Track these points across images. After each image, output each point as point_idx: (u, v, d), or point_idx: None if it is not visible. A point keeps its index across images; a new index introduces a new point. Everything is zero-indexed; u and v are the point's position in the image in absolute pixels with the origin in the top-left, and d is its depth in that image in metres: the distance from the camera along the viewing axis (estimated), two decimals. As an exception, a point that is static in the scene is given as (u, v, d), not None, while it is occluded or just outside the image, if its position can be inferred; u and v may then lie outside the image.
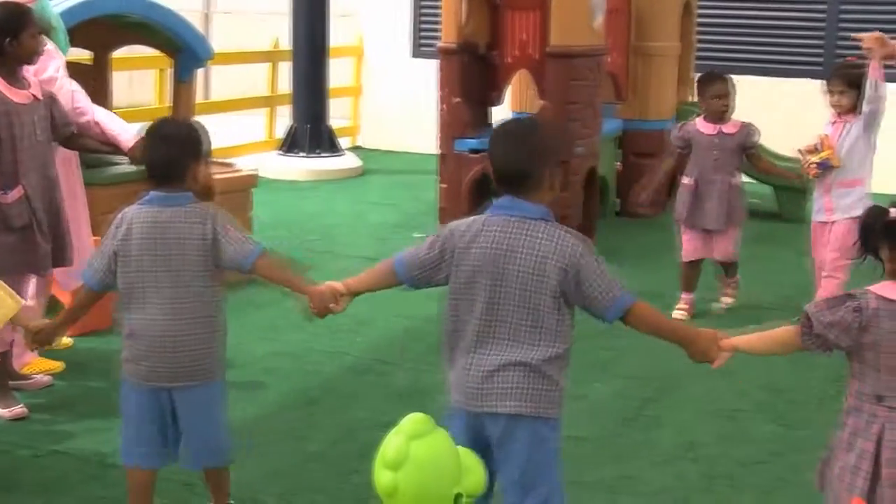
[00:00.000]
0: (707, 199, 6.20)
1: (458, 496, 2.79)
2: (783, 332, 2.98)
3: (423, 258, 3.11)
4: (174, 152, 3.42)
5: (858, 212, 5.59)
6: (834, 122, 5.75)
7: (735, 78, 10.22)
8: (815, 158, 5.66)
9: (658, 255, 7.56)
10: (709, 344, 3.10)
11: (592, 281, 2.97)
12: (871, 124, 5.61)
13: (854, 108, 5.66)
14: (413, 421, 2.83)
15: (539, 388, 3.01)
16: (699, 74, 6.57)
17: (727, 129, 6.23)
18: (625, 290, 3.03)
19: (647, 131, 8.77)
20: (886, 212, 2.87)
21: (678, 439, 4.55)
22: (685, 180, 6.31)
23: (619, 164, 8.89)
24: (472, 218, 3.09)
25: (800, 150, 5.79)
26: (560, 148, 3.14)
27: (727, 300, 6.42)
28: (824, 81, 5.84)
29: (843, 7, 10.35)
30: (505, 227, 3.00)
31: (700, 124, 6.28)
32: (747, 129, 6.23)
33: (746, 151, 6.28)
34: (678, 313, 6.20)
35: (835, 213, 5.75)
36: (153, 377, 3.39)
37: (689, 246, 6.36)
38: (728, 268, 6.44)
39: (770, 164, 6.92)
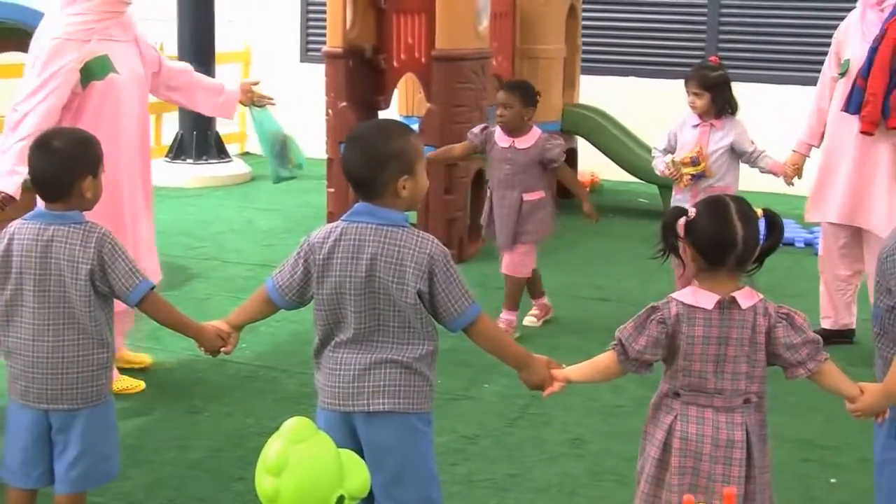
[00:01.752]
0: (497, 214, 5.89)
1: (340, 498, 2.78)
2: (605, 358, 3.02)
3: (293, 280, 3.09)
4: (61, 167, 3.24)
5: None
6: (698, 126, 5.68)
7: (620, 80, 10.55)
8: (690, 171, 5.66)
9: (547, 255, 7.62)
10: (541, 371, 3.13)
11: (444, 289, 2.97)
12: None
13: (710, 111, 5.65)
14: (294, 425, 2.82)
15: (410, 384, 3.02)
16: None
17: (521, 143, 5.79)
18: (474, 302, 3.02)
19: (534, 133, 8.84)
20: (686, 212, 2.91)
21: (564, 436, 4.60)
22: (489, 189, 6.01)
23: (507, 166, 8.93)
24: (328, 227, 3.06)
25: (674, 162, 5.66)
26: (409, 154, 3.03)
27: (529, 320, 6.10)
28: (684, 81, 5.83)
29: (724, 10, 10.57)
30: (362, 235, 2.99)
31: (498, 134, 5.88)
32: (543, 144, 5.76)
33: (547, 167, 5.83)
34: (528, 319, 6.07)
35: None
36: (29, 397, 3.25)
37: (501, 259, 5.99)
38: (529, 287, 6.10)
39: (574, 182, 6.37)
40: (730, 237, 2.84)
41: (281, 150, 5.31)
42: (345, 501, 2.80)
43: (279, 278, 3.11)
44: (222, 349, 3.31)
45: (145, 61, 4.92)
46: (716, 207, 2.89)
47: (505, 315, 5.94)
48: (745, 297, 2.88)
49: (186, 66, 5.36)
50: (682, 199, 5.63)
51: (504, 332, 3.20)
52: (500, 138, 5.84)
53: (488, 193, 5.99)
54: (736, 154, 5.72)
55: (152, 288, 3.27)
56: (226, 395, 5.01)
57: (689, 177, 5.61)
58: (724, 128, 5.67)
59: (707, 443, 2.89)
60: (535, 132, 5.79)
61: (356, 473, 2.85)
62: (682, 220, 2.90)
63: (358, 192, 3.04)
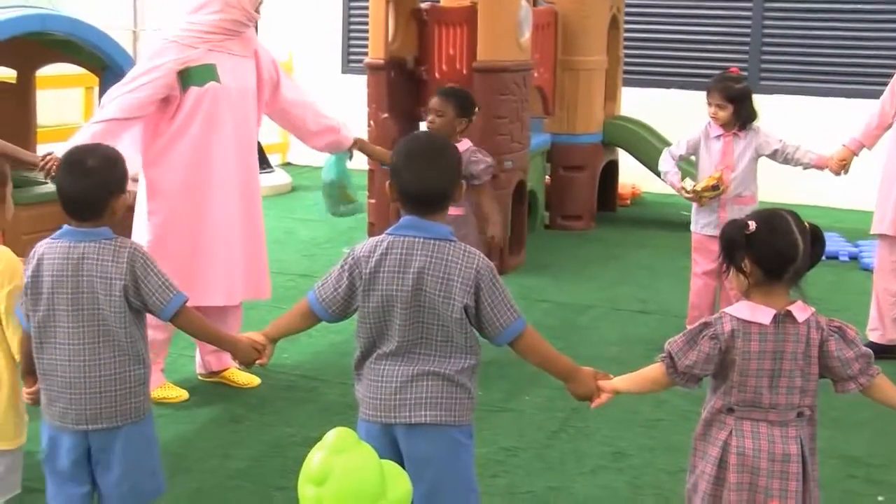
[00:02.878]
0: None
1: (383, 509, 2.78)
2: (653, 370, 3.04)
3: (337, 294, 3.08)
4: (92, 187, 3.16)
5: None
6: (721, 136, 5.70)
7: (662, 92, 10.51)
8: (711, 195, 5.67)
9: (589, 268, 7.64)
10: (588, 383, 3.15)
11: (490, 303, 2.98)
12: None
13: (733, 122, 5.67)
14: (337, 435, 2.82)
15: (453, 396, 3.02)
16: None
17: None
18: (520, 316, 3.04)
19: (575, 145, 8.85)
20: (746, 225, 2.90)
21: (604, 449, 4.57)
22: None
23: (548, 177, 8.94)
24: (374, 240, 3.05)
25: (695, 190, 5.67)
26: (460, 166, 3.14)
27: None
28: (706, 91, 5.80)
29: (767, 22, 10.51)
30: (410, 249, 2.99)
31: None
32: (469, 157, 5.29)
33: (469, 182, 5.20)
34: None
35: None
36: (68, 419, 3.18)
37: None
38: None
39: (489, 205, 5.54)
40: (792, 250, 2.85)
41: (338, 194, 5.45)
42: None
43: (322, 292, 3.11)
44: (258, 361, 3.29)
45: (261, 78, 5.01)
46: (776, 220, 2.89)
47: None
48: (800, 311, 2.89)
49: (306, 99, 5.34)
50: (708, 210, 5.74)
51: (549, 345, 3.18)
52: None
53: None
54: (760, 159, 5.78)
55: (185, 301, 3.22)
56: (267, 405, 5.03)
57: (709, 199, 5.67)
58: (746, 137, 5.71)
59: (763, 458, 2.88)
60: (465, 143, 5.46)
61: (398, 484, 2.84)
62: (747, 231, 2.89)
63: (419, 207, 3.02)
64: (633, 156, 9.28)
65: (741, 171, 5.67)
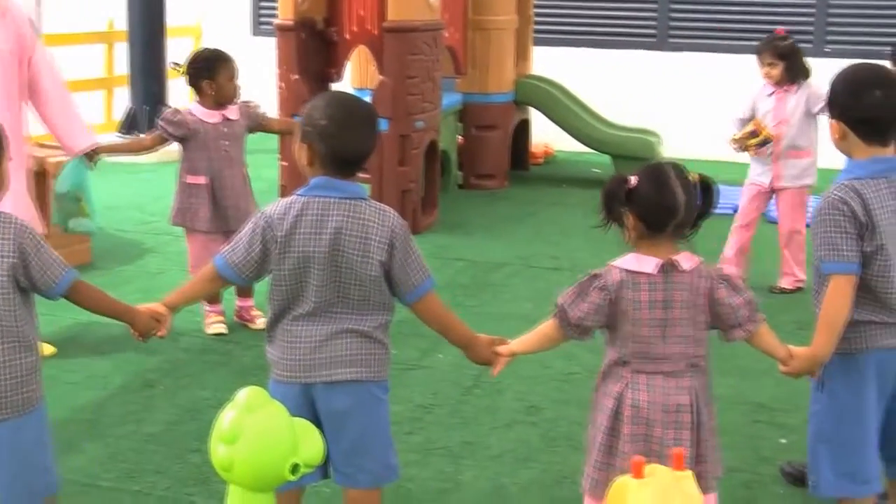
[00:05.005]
0: (223, 196, 5.31)
1: (295, 466, 2.80)
2: (546, 326, 3.04)
3: (250, 257, 3.05)
4: None
5: (808, 181, 6.08)
6: (774, 94, 6.02)
7: (572, 50, 10.57)
8: (754, 141, 5.94)
9: (502, 226, 7.70)
10: (485, 350, 3.17)
11: (402, 261, 3.01)
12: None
13: (785, 78, 5.97)
14: (248, 394, 2.83)
15: (371, 352, 3.06)
16: (208, 53, 5.56)
17: (231, 113, 5.34)
18: (430, 276, 3.08)
19: (487, 104, 8.89)
20: (627, 180, 2.89)
21: (518, 404, 4.64)
22: (193, 179, 5.32)
23: (460, 137, 8.97)
24: (285, 202, 3.04)
25: (735, 139, 5.99)
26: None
27: (216, 328, 5.44)
28: (756, 54, 6.07)
29: (675, -21, 10.62)
30: (326, 209, 2.99)
31: (199, 111, 5.31)
32: (247, 109, 5.40)
33: (254, 129, 5.47)
34: (214, 327, 5.43)
35: (783, 181, 6.09)
36: None
37: (205, 253, 4.90)
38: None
39: (289, 124, 5.73)
40: (673, 204, 2.84)
41: (71, 207, 5.14)
42: (299, 469, 2.82)
43: (233, 256, 3.07)
44: (157, 333, 3.20)
45: (15, 40, 4.76)
46: (656, 174, 2.88)
47: (240, 302, 5.55)
48: (686, 260, 2.90)
49: (62, 86, 5.06)
50: (763, 160, 6.05)
51: (451, 312, 3.22)
52: (207, 115, 5.30)
53: (196, 183, 5.31)
54: (813, 116, 5.99)
55: (76, 277, 3.04)
56: (181, 369, 5.01)
57: (755, 146, 5.88)
58: (798, 93, 5.99)
59: (657, 409, 2.91)
60: (229, 109, 5.35)
61: (310, 442, 2.87)
62: (628, 186, 2.89)
63: (345, 168, 3.03)
64: (545, 115, 9.34)
65: (794, 125, 5.97)
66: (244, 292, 5.52)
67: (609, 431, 2.96)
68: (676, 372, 2.92)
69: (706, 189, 2.93)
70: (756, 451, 4.20)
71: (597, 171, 9.53)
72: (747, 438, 4.31)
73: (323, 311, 3.03)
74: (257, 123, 5.49)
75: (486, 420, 4.49)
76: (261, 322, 5.37)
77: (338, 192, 3.01)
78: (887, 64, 5.54)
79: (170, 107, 10.40)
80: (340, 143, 3.01)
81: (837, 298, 3.12)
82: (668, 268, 2.88)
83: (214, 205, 5.31)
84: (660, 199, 2.85)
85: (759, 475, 4.01)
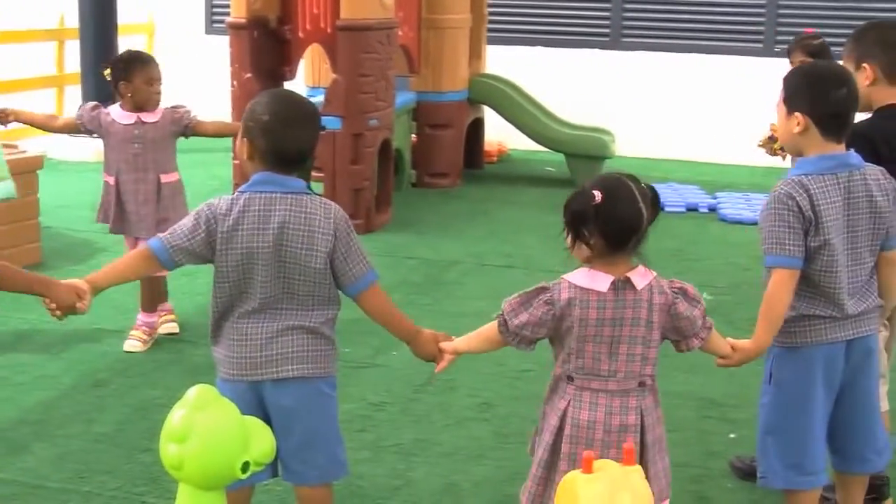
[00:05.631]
0: (129, 200, 5.18)
1: (245, 464, 2.79)
2: (488, 328, 2.97)
3: (192, 244, 3.02)
4: None
5: None
6: None
7: (526, 49, 10.61)
8: (777, 145, 5.90)
9: (455, 225, 7.71)
10: (429, 345, 3.15)
11: (345, 253, 3.02)
12: None
13: None
14: (198, 392, 2.82)
15: (318, 348, 3.07)
16: (127, 54, 5.35)
17: (148, 117, 5.16)
18: (372, 268, 3.09)
19: (441, 103, 8.89)
20: (592, 196, 2.77)
21: (471, 401, 4.65)
22: (106, 177, 5.24)
23: (414, 135, 8.98)
24: (230, 197, 3.03)
25: (760, 145, 5.87)
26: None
27: (133, 345, 5.21)
28: (786, 54, 5.93)
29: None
30: (270, 204, 2.99)
31: (116, 111, 5.18)
32: (172, 114, 5.20)
33: (186, 134, 5.26)
34: (131, 343, 5.21)
35: None
36: None
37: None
38: (148, 290, 5.29)
39: (222, 127, 5.52)
40: (637, 219, 2.78)
41: None
42: (250, 467, 2.82)
43: (172, 238, 3.04)
44: (77, 306, 3.03)
45: None
46: (619, 191, 2.78)
47: (143, 318, 5.31)
48: (640, 277, 2.82)
49: None
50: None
51: (394, 306, 3.20)
52: (121, 116, 5.15)
53: (107, 181, 5.23)
54: None
55: None
56: (131, 368, 4.97)
57: (780, 149, 5.89)
58: None
59: (599, 429, 2.83)
60: (156, 111, 5.21)
61: (261, 439, 2.87)
62: (594, 202, 2.76)
63: (288, 165, 3.03)
64: (499, 113, 9.36)
65: None
66: (151, 306, 5.33)
67: (551, 448, 2.89)
68: (623, 391, 2.85)
69: (654, 200, 2.86)
70: (706, 446, 4.24)
71: (550, 169, 9.57)
72: (697, 433, 4.34)
73: (269, 308, 3.02)
74: (186, 128, 5.25)
75: (439, 417, 4.50)
76: (166, 327, 5.36)
77: (281, 186, 3.01)
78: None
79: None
80: (281, 140, 3.01)
81: (778, 292, 3.15)
82: (621, 285, 2.81)
83: (119, 207, 5.20)
84: (625, 216, 2.77)
85: (708, 470, 4.05)
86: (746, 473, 3.93)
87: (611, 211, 2.75)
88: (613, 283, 2.80)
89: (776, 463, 3.34)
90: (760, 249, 3.24)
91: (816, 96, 3.22)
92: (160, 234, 3.10)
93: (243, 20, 7.56)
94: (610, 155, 9.06)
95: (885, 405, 3.65)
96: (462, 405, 4.62)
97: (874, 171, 3.26)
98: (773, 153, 6.01)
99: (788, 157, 5.91)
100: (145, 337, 5.25)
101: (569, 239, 2.84)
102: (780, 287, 3.15)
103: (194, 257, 3.06)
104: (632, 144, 9.73)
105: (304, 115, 3.10)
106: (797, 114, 3.22)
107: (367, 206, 7.41)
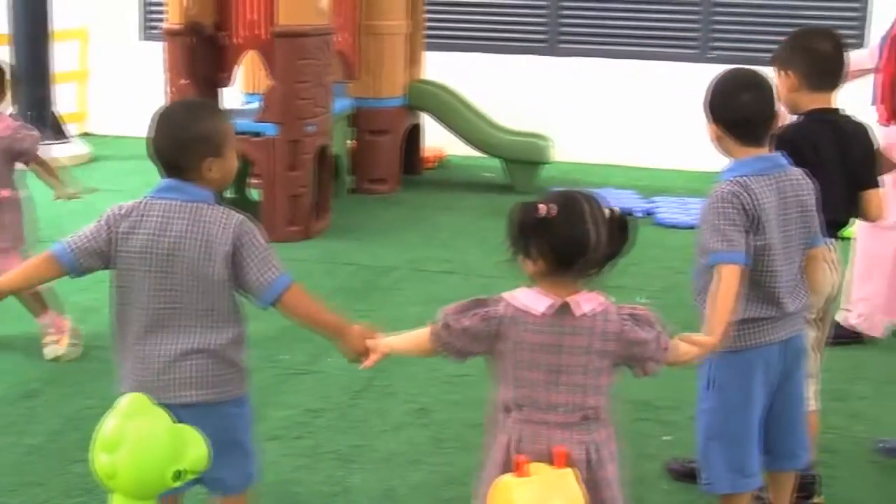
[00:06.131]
0: None
1: (178, 473, 2.77)
2: (421, 334, 2.84)
3: (94, 244, 2.94)
4: None
5: None
6: None
7: (464, 56, 10.62)
8: None
9: (393, 231, 7.70)
10: (356, 341, 3.00)
11: (251, 260, 2.90)
12: None
13: None
14: (130, 401, 2.80)
15: (221, 373, 2.96)
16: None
17: None
18: (284, 273, 2.95)
19: (379, 109, 8.88)
20: (536, 208, 2.63)
21: (408, 406, 4.66)
22: None
23: (352, 141, 8.96)
24: (132, 202, 2.97)
25: None
26: (216, 136, 2.97)
27: (54, 349, 5.13)
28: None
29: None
30: (168, 212, 2.92)
31: None
32: (13, 133, 5.02)
33: (18, 159, 5.06)
34: (51, 350, 5.12)
35: None
36: None
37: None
38: (35, 303, 5.13)
39: (50, 170, 5.24)
40: (583, 241, 2.62)
41: None
42: (183, 475, 2.80)
43: (75, 240, 2.95)
44: None
45: None
46: (569, 205, 2.64)
47: (42, 322, 5.18)
48: (585, 301, 2.67)
49: None
50: None
51: (316, 303, 3.04)
52: None
53: None
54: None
55: None
56: (64, 378, 4.91)
57: None
58: None
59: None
60: (4, 119, 5.09)
61: (194, 448, 2.84)
62: (537, 215, 2.64)
63: (166, 171, 2.98)
64: (437, 119, 9.37)
65: None
66: (40, 311, 5.16)
67: None
68: (565, 424, 2.69)
69: (622, 227, 2.69)
70: (640, 449, 4.27)
71: (488, 175, 9.59)
72: (632, 436, 4.33)
73: (165, 325, 2.92)
74: (17, 153, 5.03)
75: (376, 423, 4.50)
76: (57, 347, 5.12)
77: (183, 194, 2.93)
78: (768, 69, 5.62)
79: (55, 112, 10.25)
80: (150, 143, 2.98)
81: (731, 287, 3.12)
82: (562, 310, 2.65)
83: None
84: (571, 233, 2.61)
85: (643, 472, 4.08)
86: (682, 475, 3.97)
87: (554, 228, 2.61)
88: (552, 306, 2.65)
89: (722, 468, 3.37)
90: (696, 252, 3.27)
91: (720, 104, 3.29)
92: (66, 239, 3.00)
93: (179, 26, 7.50)
94: (548, 160, 9.10)
95: (814, 405, 3.71)
96: (400, 410, 4.62)
97: (797, 172, 3.33)
98: None
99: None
100: (58, 337, 5.12)
101: (512, 254, 2.70)
102: (731, 283, 3.13)
103: (99, 258, 2.96)
104: (569, 149, 9.78)
105: (163, 116, 3.01)
106: (709, 124, 3.29)
107: (305, 212, 7.38)
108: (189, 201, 2.94)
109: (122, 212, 2.96)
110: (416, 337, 2.89)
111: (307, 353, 5.14)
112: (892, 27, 5.40)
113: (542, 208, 2.62)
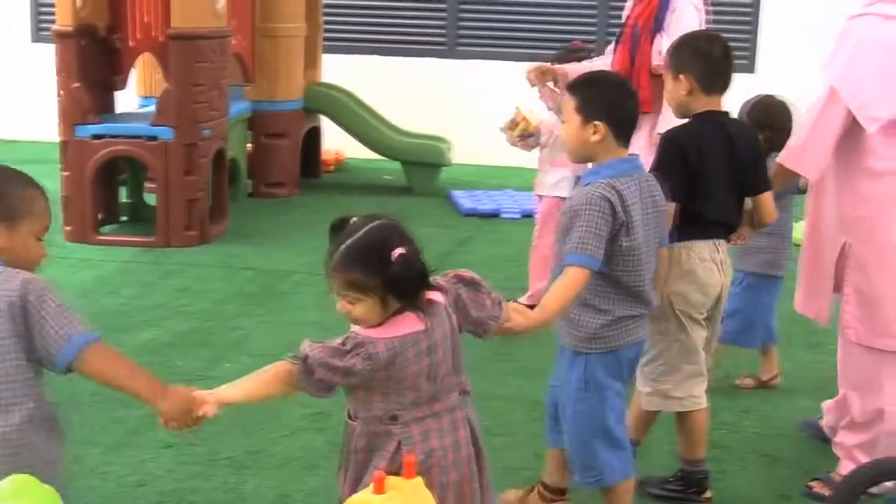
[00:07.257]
0: None
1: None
2: (279, 372, 2.70)
3: None
4: None
5: (563, 192, 5.77)
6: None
7: (362, 58, 10.63)
8: (516, 132, 5.83)
9: (291, 235, 7.67)
10: (181, 398, 2.73)
11: (40, 320, 2.57)
12: None
13: None
14: (12, 483, 2.61)
15: (18, 461, 2.62)
16: None
17: None
18: (87, 330, 2.61)
19: (276, 112, 8.85)
20: (391, 251, 2.63)
21: (304, 411, 4.63)
22: None
23: (249, 145, 8.90)
24: None
25: (501, 129, 5.87)
26: (12, 200, 2.71)
27: None
28: (551, 60, 5.89)
29: (462, -11, 10.80)
30: None
31: None
32: None
33: None
34: None
35: (542, 188, 6.06)
36: None
37: None
38: None
39: None
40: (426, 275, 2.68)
41: None
42: None
43: None
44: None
45: None
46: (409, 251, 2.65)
47: None
48: (435, 294, 2.72)
49: None
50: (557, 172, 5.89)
51: (128, 364, 2.71)
52: None
53: None
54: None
55: None
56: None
57: (518, 139, 5.80)
58: None
59: (437, 455, 2.70)
60: None
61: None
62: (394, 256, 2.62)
63: None
64: (336, 122, 9.37)
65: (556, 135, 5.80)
66: None
67: None
68: (449, 408, 2.73)
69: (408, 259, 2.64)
70: (536, 449, 4.29)
71: (388, 177, 9.60)
72: (528, 437, 4.41)
73: None
74: None
75: (272, 428, 4.47)
76: None
77: None
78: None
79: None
80: None
81: (576, 287, 3.23)
82: (428, 310, 2.67)
83: None
84: (418, 272, 2.65)
85: (539, 472, 4.10)
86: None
87: (405, 272, 2.60)
88: (423, 317, 2.66)
89: (612, 460, 3.47)
90: (559, 248, 3.33)
91: (614, 104, 3.37)
92: None
93: (70, 28, 7.36)
94: (446, 163, 9.15)
95: (704, 402, 3.82)
96: (296, 415, 4.59)
97: (649, 174, 3.47)
98: (514, 142, 5.96)
99: (536, 148, 5.95)
100: None
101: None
102: (578, 283, 3.24)
103: None
104: (468, 152, 9.83)
105: None
106: (596, 122, 3.32)
107: (201, 216, 7.31)
108: None
109: None
110: (268, 377, 2.74)
111: (203, 359, 5.10)
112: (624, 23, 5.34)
113: (398, 251, 2.62)
